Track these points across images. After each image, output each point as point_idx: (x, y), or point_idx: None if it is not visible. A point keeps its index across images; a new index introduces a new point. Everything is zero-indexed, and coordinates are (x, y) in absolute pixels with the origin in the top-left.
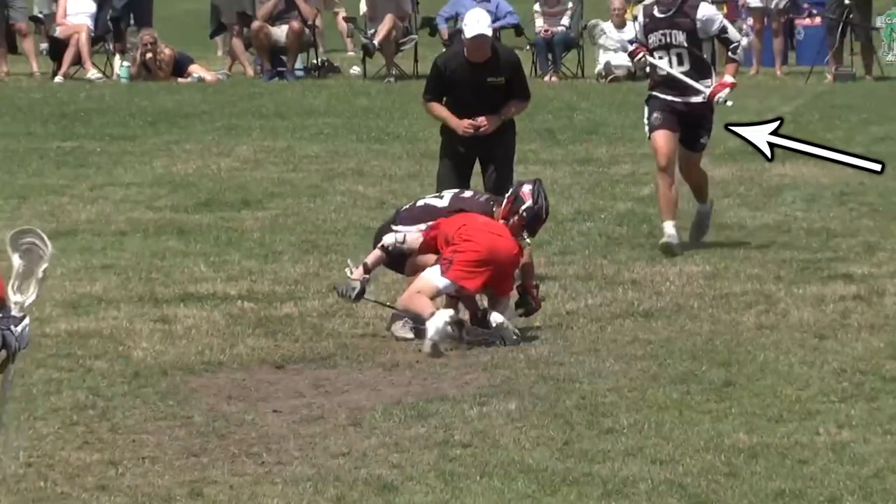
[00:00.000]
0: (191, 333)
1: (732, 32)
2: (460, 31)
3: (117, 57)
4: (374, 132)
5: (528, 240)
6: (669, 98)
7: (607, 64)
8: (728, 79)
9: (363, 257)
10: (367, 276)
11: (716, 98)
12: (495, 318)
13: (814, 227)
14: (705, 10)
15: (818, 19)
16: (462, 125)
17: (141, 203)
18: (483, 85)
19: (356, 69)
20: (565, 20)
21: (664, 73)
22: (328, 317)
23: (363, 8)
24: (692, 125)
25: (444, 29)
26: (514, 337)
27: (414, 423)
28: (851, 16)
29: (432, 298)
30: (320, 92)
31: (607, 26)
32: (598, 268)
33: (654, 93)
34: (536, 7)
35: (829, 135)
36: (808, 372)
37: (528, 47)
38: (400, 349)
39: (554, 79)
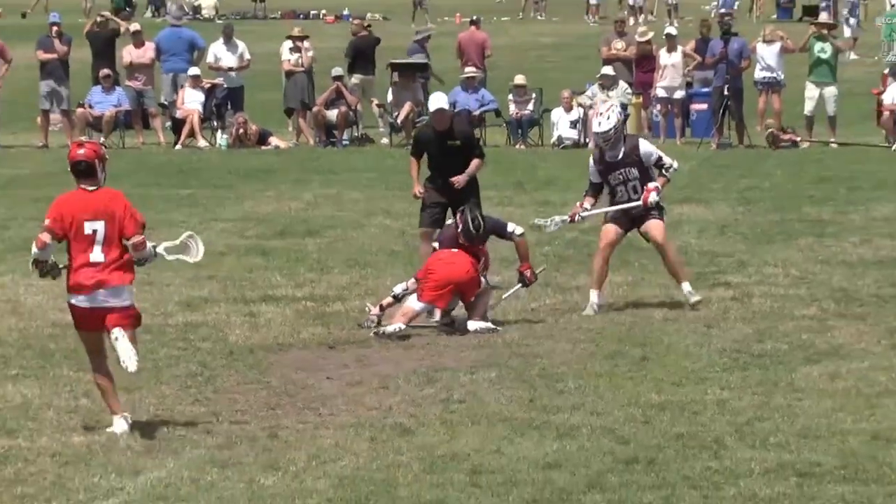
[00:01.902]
0: (269, 324)
1: (666, 159)
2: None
3: (219, 132)
4: (398, 183)
5: (519, 230)
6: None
7: (559, 137)
8: (652, 185)
9: (381, 299)
10: (381, 313)
11: (648, 202)
12: (471, 325)
13: (703, 249)
14: (644, 147)
15: (706, 105)
16: (414, 190)
17: (235, 233)
18: (445, 146)
19: (385, 140)
20: (530, 106)
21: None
22: (366, 313)
23: (390, 97)
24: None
25: None
26: (490, 330)
27: (425, 386)
28: (729, 103)
29: (414, 317)
30: (360, 156)
31: (559, 111)
32: (554, 278)
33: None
34: (510, 97)
35: (714, 185)
36: (700, 351)
37: (504, 125)
38: (415, 335)
39: (522, 147)
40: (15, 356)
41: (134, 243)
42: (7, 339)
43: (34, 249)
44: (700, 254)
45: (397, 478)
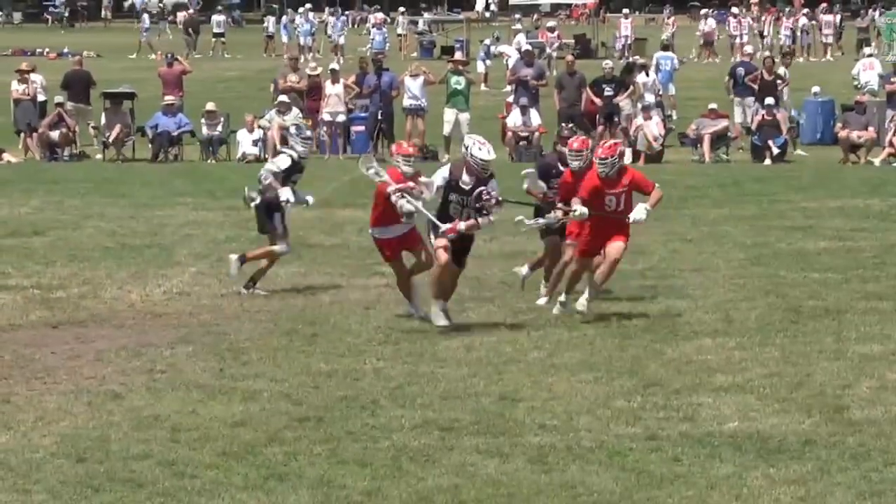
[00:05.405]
0: (2, 308)
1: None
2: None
3: None
4: (111, 192)
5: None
6: None
7: (243, 153)
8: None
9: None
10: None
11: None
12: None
13: (363, 245)
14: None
15: (363, 127)
16: None
17: None
18: None
19: (99, 156)
20: (219, 128)
21: None
22: (85, 298)
23: (104, 120)
24: None
25: (150, 133)
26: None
27: (133, 359)
28: (382, 125)
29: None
30: (79, 168)
31: (243, 132)
32: (243, 271)
33: None
34: (203, 120)
35: (369, 192)
36: (360, 328)
37: (198, 143)
38: (128, 317)
39: (213, 161)
40: None
41: None
42: None
43: None
44: (360, 249)
45: (110, 435)
